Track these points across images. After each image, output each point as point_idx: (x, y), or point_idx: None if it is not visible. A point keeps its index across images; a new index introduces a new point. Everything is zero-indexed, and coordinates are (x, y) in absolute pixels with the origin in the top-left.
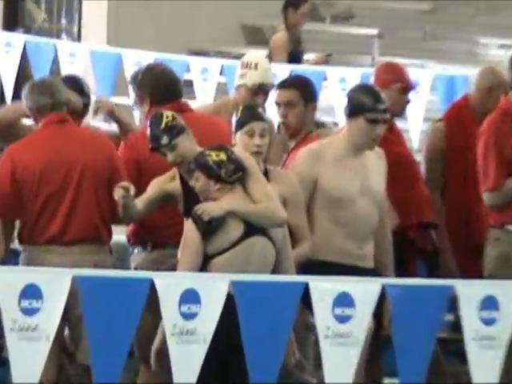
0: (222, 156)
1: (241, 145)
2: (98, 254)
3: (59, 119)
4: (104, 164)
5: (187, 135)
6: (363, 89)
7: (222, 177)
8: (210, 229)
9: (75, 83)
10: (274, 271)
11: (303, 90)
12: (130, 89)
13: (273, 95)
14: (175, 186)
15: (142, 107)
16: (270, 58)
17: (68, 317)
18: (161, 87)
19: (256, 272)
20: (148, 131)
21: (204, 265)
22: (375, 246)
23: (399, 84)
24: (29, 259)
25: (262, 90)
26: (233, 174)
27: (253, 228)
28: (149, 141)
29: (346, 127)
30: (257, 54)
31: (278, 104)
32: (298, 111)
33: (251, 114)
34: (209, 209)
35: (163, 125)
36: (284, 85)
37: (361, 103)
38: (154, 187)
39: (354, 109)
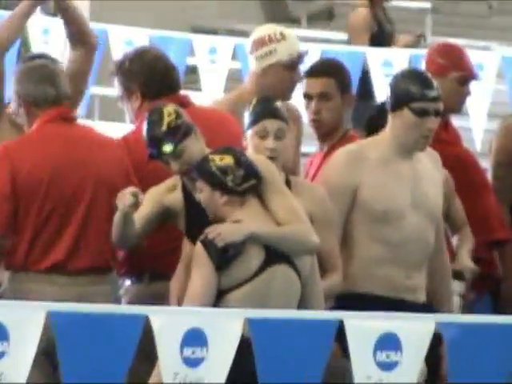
0: (228, 160)
1: (251, 147)
2: (107, 283)
3: (66, 116)
4: (121, 175)
5: (195, 136)
6: (408, 74)
7: (228, 186)
8: (225, 259)
9: None
10: (300, 308)
11: (339, 78)
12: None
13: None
14: (176, 197)
15: (130, 102)
16: (349, 41)
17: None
18: (154, 77)
19: (277, 309)
20: (144, 133)
21: (215, 301)
22: (430, 275)
23: (458, 72)
24: (18, 291)
25: (299, 61)
26: (243, 182)
27: (275, 255)
28: (146, 146)
29: (389, 123)
30: (271, 26)
31: (307, 96)
32: (333, 104)
33: (265, 109)
34: (224, 232)
35: (165, 126)
36: (316, 71)
37: (405, 91)
38: (151, 201)
39: (398, 99)
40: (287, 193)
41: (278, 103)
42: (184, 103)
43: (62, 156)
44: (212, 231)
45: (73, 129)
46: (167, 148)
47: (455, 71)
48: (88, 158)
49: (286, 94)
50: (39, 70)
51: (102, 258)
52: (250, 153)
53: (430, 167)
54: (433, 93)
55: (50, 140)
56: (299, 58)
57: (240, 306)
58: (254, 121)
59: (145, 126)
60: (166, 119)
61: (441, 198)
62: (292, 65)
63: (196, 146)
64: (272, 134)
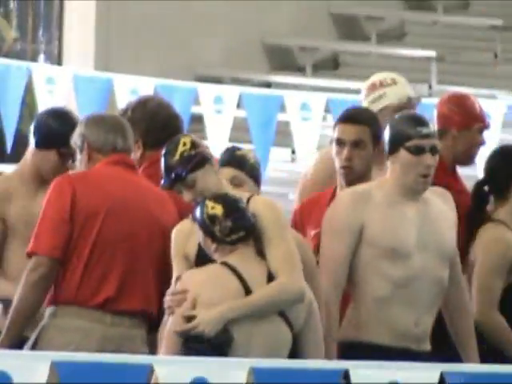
0: (218, 209)
1: None
2: (143, 327)
3: (125, 161)
4: (170, 229)
5: (210, 167)
6: (402, 117)
7: (216, 235)
8: (221, 347)
9: (67, 119)
10: (296, 356)
11: (374, 127)
12: None
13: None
14: (192, 244)
15: (133, 152)
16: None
17: None
18: (155, 125)
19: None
20: (161, 162)
21: None
22: (448, 314)
23: (480, 123)
24: (63, 328)
25: (410, 105)
26: (230, 233)
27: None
28: (161, 175)
29: (389, 169)
30: (383, 73)
31: (340, 142)
32: (366, 153)
33: (229, 157)
34: (201, 326)
35: (178, 155)
36: (351, 118)
37: (399, 132)
38: (181, 259)
39: (393, 141)
40: (284, 238)
41: (244, 152)
42: None
43: (121, 196)
44: (191, 326)
45: (133, 174)
46: (177, 175)
47: (477, 122)
48: (145, 203)
49: None
50: (111, 120)
51: (149, 302)
52: (258, 199)
53: (441, 207)
54: (426, 130)
55: (111, 179)
56: (409, 102)
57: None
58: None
59: (161, 156)
60: (180, 149)
61: (454, 235)
62: (402, 109)
63: (211, 178)
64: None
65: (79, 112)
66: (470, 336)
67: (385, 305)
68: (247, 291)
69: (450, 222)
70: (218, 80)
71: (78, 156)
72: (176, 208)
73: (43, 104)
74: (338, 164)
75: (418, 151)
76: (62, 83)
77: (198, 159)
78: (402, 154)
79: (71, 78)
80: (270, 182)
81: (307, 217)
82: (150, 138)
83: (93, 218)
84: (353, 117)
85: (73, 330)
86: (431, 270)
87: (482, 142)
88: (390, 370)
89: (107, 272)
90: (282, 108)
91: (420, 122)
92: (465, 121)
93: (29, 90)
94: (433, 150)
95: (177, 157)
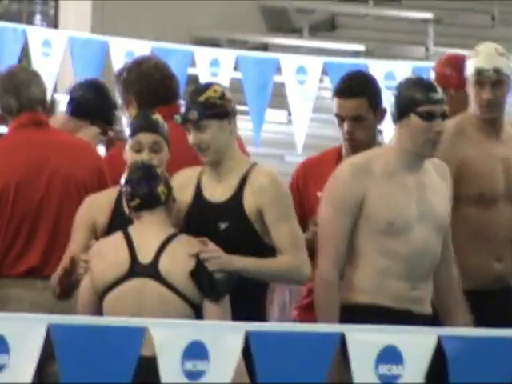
0: (125, 174)
1: (128, 161)
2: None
3: (33, 120)
4: (92, 180)
5: (228, 126)
6: (410, 81)
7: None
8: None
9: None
10: None
11: (371, 96)
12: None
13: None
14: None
15: (128, 112)
16: None
17: (41, 374)
18: (149, 86)
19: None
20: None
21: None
22: (436, 286)
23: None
24: None
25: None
26: (130, 200)
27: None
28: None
29: (395, 135)
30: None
31: (339, 117)
32: (367, 123)
33: (141, 122)
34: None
35: (203, 97)
36: (346, 92)
37: (410, 97)
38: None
39: (403, 106)
40: (289, 217)
41: (157, 116)
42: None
43: (28, 163)
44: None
45: (41, 134)
46: (191, 115)
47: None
48: (55, 161)
49: None
50: (4, 81)
51: None
52: (268, 168)
53: (437, 179)
54: (437, 95)
55: (17, 147)
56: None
57: (110, 311)
58: (130, 135)
59: (188, 93)
60: (209, 93)
61: (448, 208)
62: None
63: (223, 134)
64: (146, 147)
65: (75, 75)
66: (457, 308)
67: (383, 275)
68: (133, 261)
69: (445, 195)
70: (214, 42)
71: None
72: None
73: (39, 67)
74: (342, 137)
75: (429, 117)
76: (58, 46)
77: (221, 110)
78: (413, 119)
79: (66, 41)
80: (266, 144)
81: (310, 178)
82: (143, 99)
83: (6, 192)
84: (348, 90)
85: (6, 298)
86: (429, 244)
87: None
88: (386, 333)
89: (29, 241)
90: (279, 70)
91: (431, 87)
92: (462, 81)
93: (24, 53)
94: (443, 116)
95: (202, 98)
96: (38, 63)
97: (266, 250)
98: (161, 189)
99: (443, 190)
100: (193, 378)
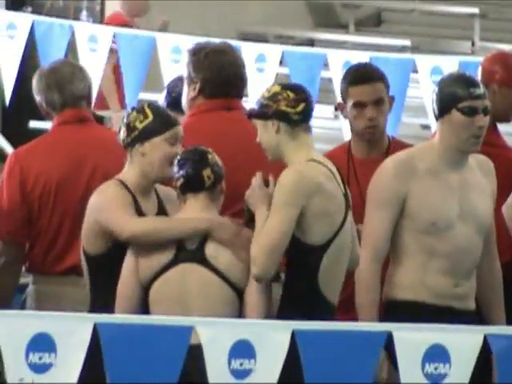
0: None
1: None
2: None
3: (77, 117)
4: None
5: (272, 126)
6: (452, 77)
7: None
8: None
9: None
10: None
11: (385, 79)
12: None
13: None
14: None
15: (189, 89)
16: None
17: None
18: (217, 80)
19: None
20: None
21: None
22: (480, 284)
23: None
24: (40, 293)
25: None
26: (176, 181)
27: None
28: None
29: (438, 131)
30: None
31: (359, 104)
32: (385, 108)
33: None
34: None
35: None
36: (367, 78)
37: (451, 93)
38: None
39: (445, 102)
40: (273, 212)
41: None
42: (231, 107)
43: (69, 161)
44: None
45: (85, 130)
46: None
47: None
48: (95, 158)
49: None
50: (47, 77)
51: None
52: (295, 166)
53: (480, 176)
54: (479, 91)
55: (57, 144)
56: None
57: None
58: (167, 127)
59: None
60: (263, 92)
61: (491, 207)
62: None
63: (267, 135)
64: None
65: (122, 70)
66: (500, 304)
67: (425, 272)
68: (180, 248)
69: (488, 193)
70: (261, 37)
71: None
72: None
73: (85, 62)
74: (359, 126)
75: (471, 112)
76: (104, 42)
77: (263, 110)
78: (455, 115)
79: (113, 37)
80: (314, 139)
81: None
82: (207, 88)
83: (47, 191)
84: (366, 76)
85: (50, 295)
86: (471, 242)
87: None
88: (433, 332)
89: (71, 239)
90: (325, 66)
91: (472, 82)
92: (506, 78)
93: (71, 49)
94: (485, 111)
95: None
96: (84, 59)
97: (297, 245)
98: (206, 173)
99: (486, 188)
100: (239, 376)
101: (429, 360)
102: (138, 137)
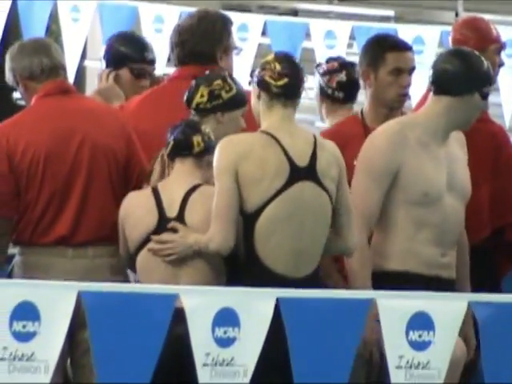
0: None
1: None
2: (114, 256)
3: (61, 88)
4: (121, 146)
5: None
6: (478, 60)
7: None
8: None
9: (135, 40)
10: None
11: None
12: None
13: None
14: None
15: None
16: None
17: (72, 342)
18: (187, 43)
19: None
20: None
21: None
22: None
23: (496, 44)
24: (28, 264)
25: None
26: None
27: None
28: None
29: (432, 106)
30: None
31: (398, 71)
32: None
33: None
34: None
35: (193, 105)
36: (405, 45)
37: (480, 76)
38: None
39: (470, 82)
40: (215, 182)
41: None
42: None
43: (56, 132)
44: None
45: (70, 101)
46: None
47: (493, 43)
48: (83, 129)
49: None
50: (32, 44)
51: (106, 230)
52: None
53: (458, 149)
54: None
55: (44, 116)
56: None
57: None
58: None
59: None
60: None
61: (469, 178)
62: None
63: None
64: None
65: (104, 41)
66: (468, 267)
67: (414, 242)
68: (161, 216)
69: (465, 165)
70: (244, 7)
71: (20, 92)
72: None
73: (68, 33)
74: (391, 93)
75: (485, 98)
76: (87, 13)
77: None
78: (476, 97)
79: (95, 7)
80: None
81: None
82: (179, 54)
83: (35, 163)
84: (406, 44)
85: (36, 266)
86: (457, 212)
87: (499, 63)
88: (417, 299)
89: (60, 210)
90: (307, 36)
91: (490, 70)
92: (480, 43)
93: (54, 19)
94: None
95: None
96: (67, 29)
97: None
98: (197, 139)
99: (464, 160)
100: (224, 344)
101: (413, 327)
102: (221, 105)
